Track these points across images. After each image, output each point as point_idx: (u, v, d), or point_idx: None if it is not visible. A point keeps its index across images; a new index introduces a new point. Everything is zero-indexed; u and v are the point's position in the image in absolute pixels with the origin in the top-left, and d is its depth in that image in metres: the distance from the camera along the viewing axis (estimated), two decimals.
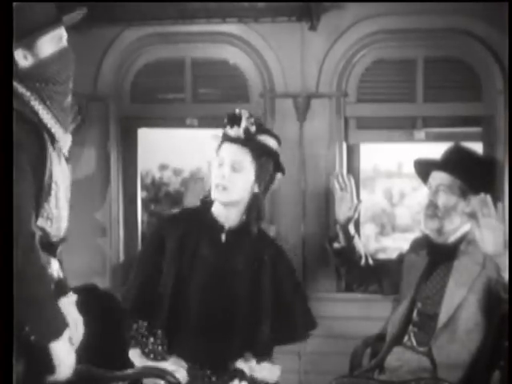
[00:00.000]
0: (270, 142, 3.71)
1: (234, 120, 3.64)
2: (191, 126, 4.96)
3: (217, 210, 3.69)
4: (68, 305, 3.23)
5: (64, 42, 3.11)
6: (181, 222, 3.73)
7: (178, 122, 5.00)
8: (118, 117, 4.99)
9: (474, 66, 4.66)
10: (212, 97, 5.01)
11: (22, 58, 3.01)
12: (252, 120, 3.64)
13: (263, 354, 3.67)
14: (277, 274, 3.70)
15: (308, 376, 4.76)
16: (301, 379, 4.79)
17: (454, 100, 4.69)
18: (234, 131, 3.64)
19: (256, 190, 3.68)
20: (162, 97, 5.04)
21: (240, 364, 3.63)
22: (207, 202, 3.72)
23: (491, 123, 4.62)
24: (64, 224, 3.17)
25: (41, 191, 3.00)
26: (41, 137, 3.00)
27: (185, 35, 4.88)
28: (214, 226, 3.69)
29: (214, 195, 3.64)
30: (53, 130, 3.06)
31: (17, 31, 2.96)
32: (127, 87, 5.03)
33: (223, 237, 3.68)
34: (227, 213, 3.68)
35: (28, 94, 3.03)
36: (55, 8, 3.07)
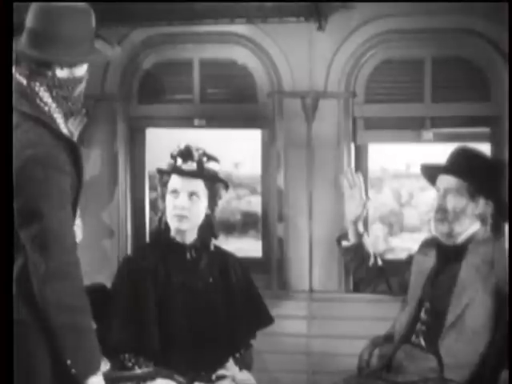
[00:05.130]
0: (217, 166, 3.98)
1: (186, 155, 3.91)
2: (199, 127, 4.97)
3: (174, 233, 3.97)
4: None
5: (86, 70, 3.11)
6: (147, 256, 3.98)
7: (186, 123, 5.01)
8: (125, 117, 5.00)
9: (483, 66, 4.65)
10: (220, 97, 5.01)
11: (59, 70, 2.99)
12: (201, 151, 3.92)
13: (245, 349, 4.04)
14: (239, 279, 4.05)
15: (316, 376, 4.76)
16: (309, 379, 4.79)
17: (462, 100, 4.69)
18: (187, 165, 3.90)
19: (208, 211, 3.99)
20: (170, 97, 5.05)
21: (224, 371, 3.92)
22: (165, 230, 4.00)
23: (499, 124, 4.61)
24: (81, 231, 3.19)
25: (75, 207, 3.02)
26: (76, 151, 2.98)
27: (193, 35, 4.88)
28: (177, 247, 3.97)
29: (174, 225, 3.92)
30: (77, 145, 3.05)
31: (55, 36, 2.94)
32: (135, 87, 5.03)
33: (188, 254, 3.97)
34: (184, 234, 3.96)
35: (54, 105, 3.01)
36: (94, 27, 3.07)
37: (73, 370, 2.86)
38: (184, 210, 3.88)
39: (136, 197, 5.08)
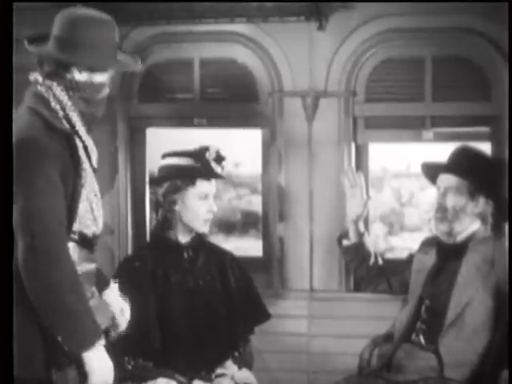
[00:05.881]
0: None
1: (219, 159, 3.94)
2: (200, 126, 4.97)
3: (174, 233, 3.99)
4: (112, 294, 3.30)
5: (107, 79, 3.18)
6: (145, 257, 3.99)
7: (187, 122, 5.01)
8: (126, 116, 5.00)
9: (483, 66, 4.65)
10: (220, 96, 5.01)
11: (78, 73, 3.06)
12: (223, 153, 3.98)
13: (244, 345, 4.03)
14: (237, 276, 4.05)
15: (316, 375, 4.77)
16: (309, 378, 4.79)
17: (462, 100, 4.69)
18: (220, 169, 3.95)
19: None
20: (171, 96, 5.05)
21: (223, 370, 3.93)
22: (163, 230, 4.00)
23: (500, 123, 4.61)
24: (100, 221, 3.22)
25: (74, 198, 3.04)
26: (73, 145, 3.03)
27: (193, 35, 4.89)
28: (175, 247, 3.97)
29: (203, 228, 3.96)
30: (86, 142, 3.09)
31: (78, 42, 3.01)
32: (135, 87, 5.03)
33: (185, 253, 3.97)
34: (182, 234, 3.98)
35: (69, 103, 3.06)
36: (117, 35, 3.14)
37: (65, 347, 2.90)
38: (213, 213, 3.95)
39: (136, 196, 5.08)
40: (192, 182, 3.90)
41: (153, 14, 4.73)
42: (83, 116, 3.09)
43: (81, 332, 2.93)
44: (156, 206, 3.98)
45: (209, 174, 3.92)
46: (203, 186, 3.92)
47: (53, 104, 3.03)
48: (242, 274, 4.08)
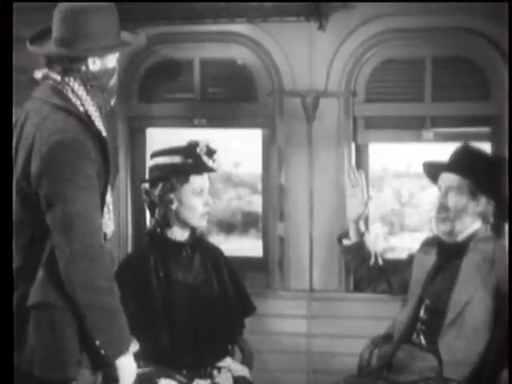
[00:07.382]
0: None
1: (211, 153, 3.91)
2: (200, 126, 4.97)
3: (172, 231, 3.99)
4: None
5: (116, 62, 3.21)
6: (145, 256, 3.97)
7: (187, 122, 5.01)
8: (125, 117, 5.00)
9: (483, 66, 4.65)
10: (220, 96, 5.01)
11: (92, 63, 3.07)
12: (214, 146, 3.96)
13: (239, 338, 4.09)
14: (229, 272, 4.07)
15: (316, 375, 4.77)
16: (309, 378, 4.79)
17: (462, 100, 4.69)
18: (211, 163, 3.91)
19: None
20: (171, 96, 5.05)
21: (220, 363, 3.94)
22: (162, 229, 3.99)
23: (500, 123, 4.61)
24: (113, 223, 3.23)
25: (104, 199, 3.08)
26: (105, 144, 3.05)
27: (193, 35, 4.89)
28: (173, 245, 3.97)
29: (202, 224, 3.96)
30: (105, 139, 3.11)
31: (83, 33, 3.02)
32: (135, 87, 5.04)
33: (183, 251, 3.97)
34: (180, 232, 3.98)
35: (88, 98, 3.08)
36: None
37: (102, 351, 2.92)
38: (210, 207, 3.94)
39: (136, 197, 5.08)
40: (186, 179, 3.89)
41: (153, 14, 4.73)
42: (100, 110, 3.11)
43: (119, 335, 2.97)
44: (152, 206, 3.97)
45: (202, 168, 3.90)
46: (197, 181, 3.91)
47: (73, 100, 3.04)
48: (232, 269, 4.09)
